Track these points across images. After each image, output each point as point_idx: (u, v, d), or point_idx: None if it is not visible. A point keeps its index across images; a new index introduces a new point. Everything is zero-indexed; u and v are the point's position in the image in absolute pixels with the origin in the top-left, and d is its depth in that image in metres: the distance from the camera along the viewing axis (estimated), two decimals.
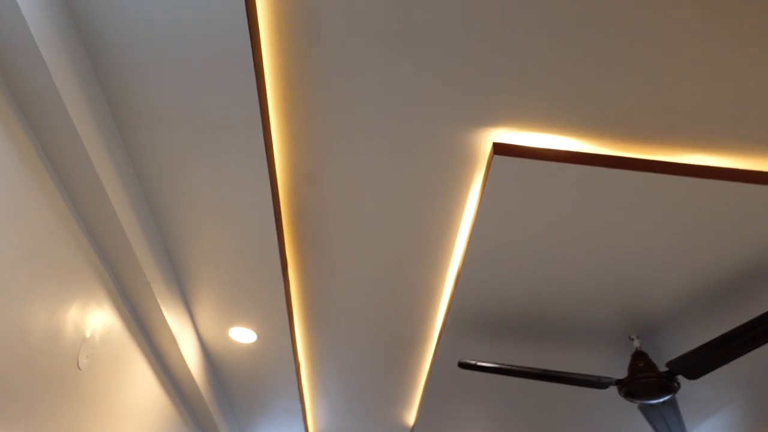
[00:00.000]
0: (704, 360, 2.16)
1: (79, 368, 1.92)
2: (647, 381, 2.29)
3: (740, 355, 2.12)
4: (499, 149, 1.81)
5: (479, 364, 2.37)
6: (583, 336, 2.55)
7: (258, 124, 1.67)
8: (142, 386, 2.41)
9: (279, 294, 2.35)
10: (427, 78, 1.65)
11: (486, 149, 1.87)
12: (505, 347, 2.65)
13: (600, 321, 2.45)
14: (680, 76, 1.63)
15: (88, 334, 1.93)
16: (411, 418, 3.51)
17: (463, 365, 2.42)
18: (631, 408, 3.10)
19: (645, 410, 2.54)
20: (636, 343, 2.47)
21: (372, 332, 2.76)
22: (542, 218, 1.99)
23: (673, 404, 2.48)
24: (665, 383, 2.28)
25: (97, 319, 1.97)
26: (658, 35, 1.53)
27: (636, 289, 2.28)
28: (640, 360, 2.37)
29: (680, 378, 2.69)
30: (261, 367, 2.95)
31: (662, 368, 2.33)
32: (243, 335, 2.68)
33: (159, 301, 2.16)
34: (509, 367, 2.36)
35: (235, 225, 2.07)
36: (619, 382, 2.35)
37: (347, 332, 2.77)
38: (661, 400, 2.37)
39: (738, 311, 2.35)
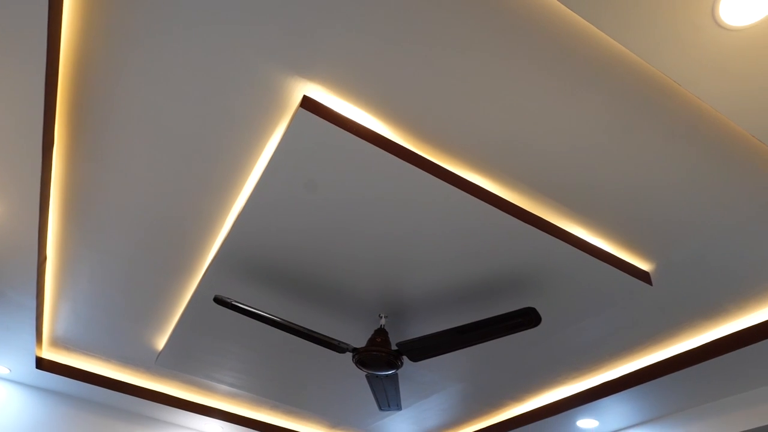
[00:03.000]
0: (426, 347, 2.48)
1: None
2: (378, 354, 2.55)
3: (455, 350, 2.47)
4: (307, 104, 1.83)
5: (234, 302, 2.40)
6: (342, 302, 2.74)
7: None
8: None
9: (34, 173, 2.07)
10: (259, 9, 1.59)
11: (296, 100, 1.88)
12: (268, 295, 2.72)
13: (359, 292, 2.65)
14: (490, 109, 1.82)
15: None
16: (161, 343, 3.42)
17: (219, 301, 2.42)
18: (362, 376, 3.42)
19: (370, 380, 2.83)
20: (382, 321, 2.73)
21: (138, 246, 2.61)
22: (329, 182, 2.07)
23: (394, 379, 2.80)
24: (391, 360, 2.57)
25: None
26: (487, 65, 1.68)
27: (396, 274, 2.51)
28: (379, 336, 2.62)
29: (405, 359, 3.04)
30: None
31: (394, 347, 2.62)
32: None
33: None
34: (262, 313, 2.42)
35: None
36: (354, 350, 2.57)
37: (111, 239, 2.58)
38: (385, 373, 2.66)
39: (473, 314, 2.72)
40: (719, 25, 1.41)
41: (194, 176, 2.21)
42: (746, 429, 2.89)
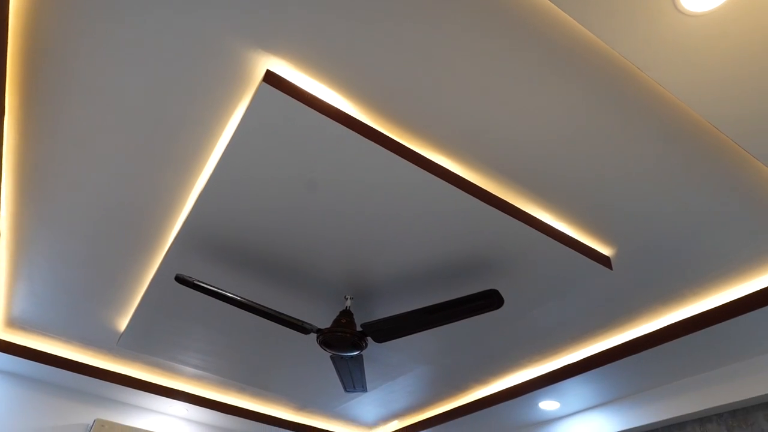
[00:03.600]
0: (390, 328, 2.49)
1: None
2: (342, 335, 2.55)
3: (419, 331, 2.48)
4: (270, 79, 1.79)
5: (196, 282, 2.36)
6: (307, 285, 2.72)
7: None
8: None
9: None
10: None
11: (259, 74, 1.83)
12: (232, 276, 2.69)
13: (324, 275, 2.64)
14: (459, 91, 1.80)
15: None
16: (123, 324, 3.35)
17: (180, 280, 2.38)
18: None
19: (335, 361, 2.83)
20: (348, 303, 2.72)
21: (98, 224, 2.54)
22: (293, 161, 2.04)
23: (359, 360, 2.81)
24: (356, 341, 2.57)
25: None
26: (457, 48, 1.67)
27: (362, 255, 2.50)
28: (344, 317, 2.62)
29: (370, 340, 3.06)
30: None
31: (359, 328, 2.62)
32: None
33: None
34: (225, 293, 2.39)
35: None
36: (319, 331, 2.57)
37: (68, 216, 2.50)
38: (350, 354, 2.66)
39: (438, 296, 2.74)
40: (679, 10, 1.42)
41: (155, 152, 2.16)
42: (700, 409, 3.00)
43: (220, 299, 2.44)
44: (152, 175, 2.26)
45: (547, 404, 3.56)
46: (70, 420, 3.98)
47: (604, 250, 2.43)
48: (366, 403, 4.06)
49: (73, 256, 2.76)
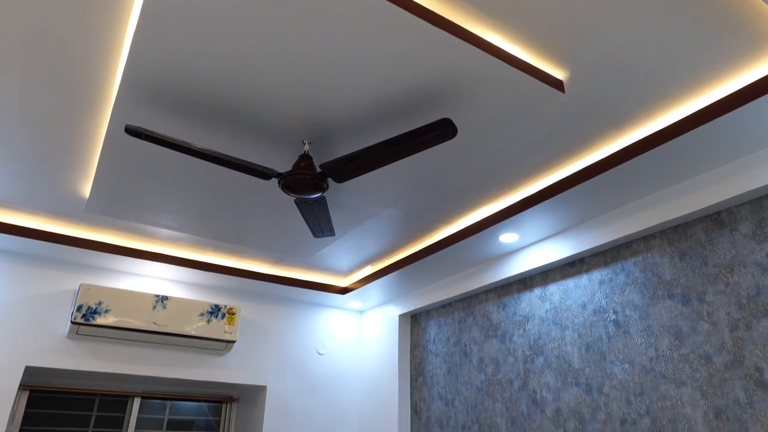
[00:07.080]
0: (348, 167, 2.54)
1: None
2: (303, 178, 2.60)
3: (376, 167, 2.54)
4: None
5: (147, 132, 2.32)
6: (262, 130, 2.70)
7: None
8: None
9: None
10: None
11: None
12: (188, 127, 2.64)
13: (279, 120, 2.61)
14: None
15: None
16: (87, 189, 3.35)
17: (131, 131, 2.33)
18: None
19: (300, 206, 2.92)
20: (306, 147, 2.74)
21: (36, 85, 2.41)
22: None
23: (323, 204, 2.90)
24: (317, 182, 2.63)
25: None
26: None
27: (315, 98, 2.46)
28: (303, 161, 2.65)
29: (331, 181, 3.13)
30: None
31: (318, 170, 2.66)
32: None
33: None
34: (178, 142, 2.37)
35: None
36: (279, 175, 2.61)
37: (5, 83, 2.36)
38: (313, 196, 2.74)
39: (394, 134, 2.75)
40: None
41: None
42: (644, 227, 3.24)
43: (174, 149, 2.42)
44: (81, 22, 2.10)
45: (507, 237, 3.80)
46: (57, 287, 4.15)
47: (557, 73, 2.43)
48: (338, 252, 4.28)
49: (16, 121, 2.65)
